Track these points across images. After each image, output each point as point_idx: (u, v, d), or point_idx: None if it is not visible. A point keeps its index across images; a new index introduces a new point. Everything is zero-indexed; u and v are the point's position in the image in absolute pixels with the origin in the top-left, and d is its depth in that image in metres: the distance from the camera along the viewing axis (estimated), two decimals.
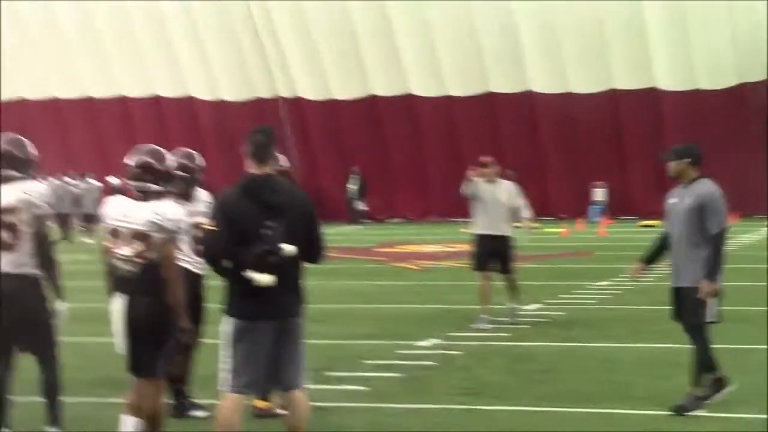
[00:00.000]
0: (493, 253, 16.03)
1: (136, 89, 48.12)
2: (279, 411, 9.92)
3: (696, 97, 41.58)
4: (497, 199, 16.08)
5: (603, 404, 10.43)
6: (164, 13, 46.06)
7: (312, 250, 7.65)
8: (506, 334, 14.79)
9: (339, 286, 21.37)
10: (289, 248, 7.39)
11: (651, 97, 42.10)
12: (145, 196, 8.09)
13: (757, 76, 40.98)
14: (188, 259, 9.79)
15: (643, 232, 33.63)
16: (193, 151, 10.54)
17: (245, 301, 7.42)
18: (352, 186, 45.49)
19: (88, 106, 48.68)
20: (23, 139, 8.81)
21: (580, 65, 42.41)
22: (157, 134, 46.13)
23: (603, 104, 42.66)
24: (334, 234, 39.24)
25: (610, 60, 42.21)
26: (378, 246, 32.25)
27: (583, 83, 42.66)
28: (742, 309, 16.19)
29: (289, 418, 7.74)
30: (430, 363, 12.73)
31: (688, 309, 9.90)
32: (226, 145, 43.31)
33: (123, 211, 8.05)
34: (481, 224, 16.20)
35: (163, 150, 8.35)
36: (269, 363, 7.50)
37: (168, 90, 47.80)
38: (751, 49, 40.15)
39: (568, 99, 43.02)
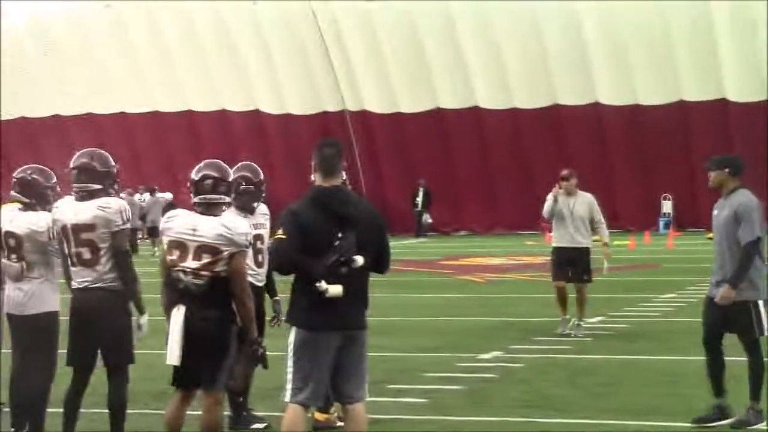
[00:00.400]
0: (571, 263, 16.08)
1: (202, 103, 48.43)
2: (338, 423, 9.98)
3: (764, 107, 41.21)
4: (576, 212, 16.14)
5: (664, 418, 10.35)
6: (230, 26, 46.39)
7: (380, 261, 7.69)
8: (568, 347, 14.73)
9: (403, 299, 21.38)
10: (360, 259, 7.43)
11: (719, 108, 41.76)
12: (207, 208, 8.16)
13: None
14: (251, 272, 9.87)
15: (710, 244, 33.29)
16: (255, 165, 10.63)
17: (312, 312, 7.43)
18: (418, 199, 45.45)
19: (156, 119, 49.08)
20: (103, 152, 8.93)
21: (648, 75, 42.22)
22: (224, 148, 46.57)
23: (672, 115, 42.37)
24: (399, 247, 39.37)
25: (679, 70, 41.96)
26: (443, 258, 32.23)
27: (652, 94, 42.47)
28: None
29: (346, 431, 7.75)
30: (491, 375, 12.71)
31: (741, 324, 9.84)
32: (293, 158, 43.51)
33: (191, 224, 8.07)
34: (559, 237, 16.28)
35: (224, 164, 8.45)
36: (333, 374, 7.52)
37: (235, 104, 48.11)
38: None
39: (636, 110, 42.82)
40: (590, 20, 42.18)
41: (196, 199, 8.23)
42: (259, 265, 10.24)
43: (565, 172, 16.64)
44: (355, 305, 7.55)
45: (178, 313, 7.99)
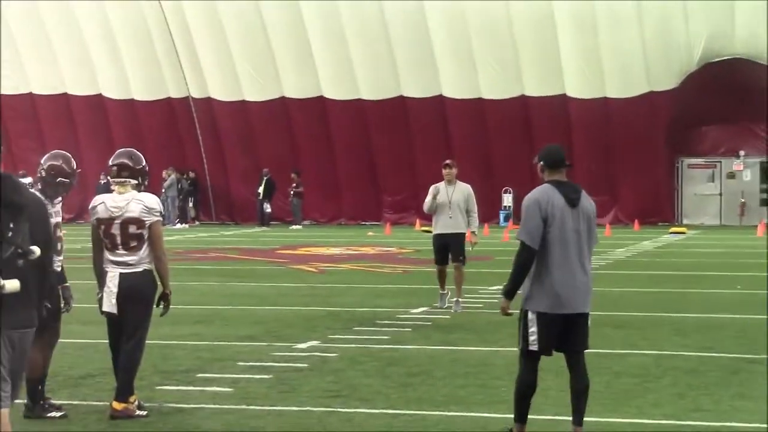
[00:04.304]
0: (448, 248, 17.68)
1: (43, 86, 47.55)
2: (137, 412, 9.91)
3: None
4: (454, 201, 17.68)
5: (466, 408, 10.42)
6: (74, 8, 45.62)
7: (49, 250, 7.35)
8: (385, 337, 14.75)
9: (231, 288, 21.30)
10: (37, 250, 6.91)
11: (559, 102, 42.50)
12: None
13: None
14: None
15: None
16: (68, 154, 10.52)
17: None
18: (260, 188, 45.15)
19: None
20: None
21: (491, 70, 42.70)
22: (65, 132, 45.94)
23: (514, 110, 42.92)
24: (240, 235, 39.21)
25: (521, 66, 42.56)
26: (281, 248, 32.13)
27: (495, 89, 42.95)
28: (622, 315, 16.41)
29: None
30: (303, 365, 12.66)
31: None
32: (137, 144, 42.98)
33: None
34: (439, 224, 17.77)
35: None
36: None
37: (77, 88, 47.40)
38: None
39: (479, 104, 43.27)
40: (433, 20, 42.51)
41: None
42: (58, 253, 10.09)
43: (448, 161, 18.24)
44: (27, 302, 7.04)
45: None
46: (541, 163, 8.96)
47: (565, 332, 8.77)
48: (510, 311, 8.87)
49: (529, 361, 8.83)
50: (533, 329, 8.72)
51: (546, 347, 8.77)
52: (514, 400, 8.89)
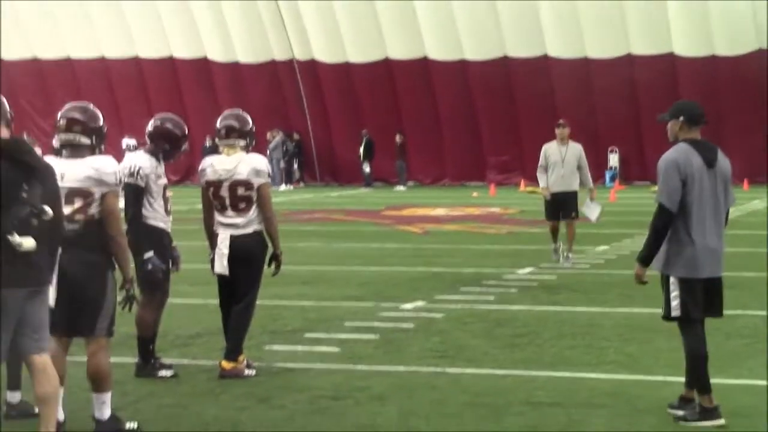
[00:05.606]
0: (562, 205, 18.46)
1: (150, 50, 48.04)
2: (246, 371, 9.99)
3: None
4: (567, 160, 18.46)
5: (572, 368, 10.36)
6: None
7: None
8: (491, 298, 14.72)
9: (336, 249, 21.38)
10: (50, 210, 7.07)
11: (666, 62, 41.87)
12: (71, 152, 8.05)
13: None
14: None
15: (651, 198, 33.43)
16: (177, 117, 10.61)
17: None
18: (361, 149, 45.18)
19: (103, 66, 48.65)
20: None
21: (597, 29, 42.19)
22: (171, 96, 46.38)
23: (620, 70, 42.38)
24: (345, 196, 39.35)
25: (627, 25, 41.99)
26: (386, 209, 32.17)
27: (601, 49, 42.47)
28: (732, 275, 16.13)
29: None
30: (409, 326, 12.67)
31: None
32: (243, 107, 43.22)
33: (58, 171, 7.72)
34: (552, 182, 18.49)
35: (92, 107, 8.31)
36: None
37: (183, 51, 47.80)
38: None
39: (585, 63, 42.84)
40: None
41: (55, 141, 8.11)
42: (167, 213, 10.22)
43: (561, 121, 19.06)
44: (45, 259, 7.21)
45: None
46: (681, 119, 8.52)
47: (704, 297, 8.46)
48: (645, 279, 8.52)
49: (688, 328, 8.49)
50: (675, 294, 8.41)
51: (688, 313, 8.41)
52: (689, 372, 8.53)
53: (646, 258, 8.48)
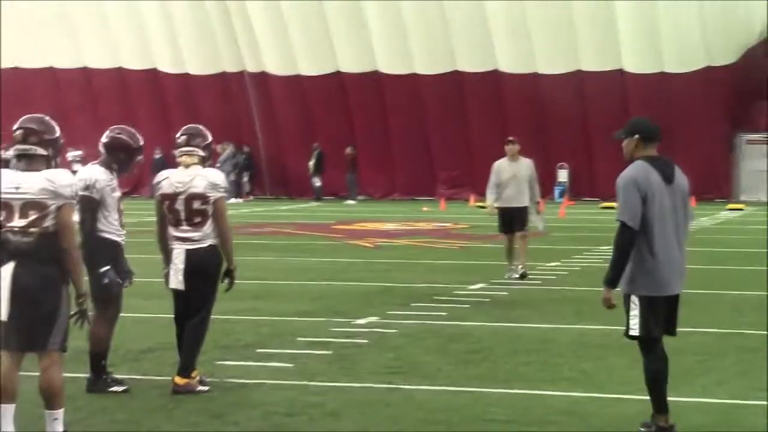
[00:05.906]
0: (513, 219, 18.79)
1: (100, 60, 47.75)
2: (199, 387, 9.91)
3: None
4: (520, 175, 18.83)
5: (527, 385, 10.35)
6: None
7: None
8: (444, 314, 14.69)
9: (289, 263, 21.32)
10: None
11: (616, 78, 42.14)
12: (27, 164, 7.91)
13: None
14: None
15: (601, 214, 33.71)
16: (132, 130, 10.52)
17: None
18: (311, 163, 45.10)
19: (51, 74, 48.29)
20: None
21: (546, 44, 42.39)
22: (121, 107, 46.11)
23: (569, 84, 42.61)
24: (295, 210, 39.25)
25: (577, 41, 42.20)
26: (336, 223, 32.11)
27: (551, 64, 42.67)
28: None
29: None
30: (363, 341, 12.62)
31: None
32: (192, 119, 43.07)
33: (13, 182, 7.71)
34: (504, 197, 18.83)
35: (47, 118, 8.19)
36: None
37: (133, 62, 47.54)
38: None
39: (534, 79, 43.02)
40: None
41: (10, 152, 8.00)
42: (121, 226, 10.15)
43: (511, 138, 19.43)
44: None
45: (6, 269, 7.75)
46: (637, 137, 8.43)
47: (665, 315, 8.40)
48: (614, 302, 8.36)
49: (649, 347, 8.37)
50: (635, 313, 8.28)
51: (649, 332, 8.29)
52: (648, 391, 8.43)
53: (613, 280, 8.35)
